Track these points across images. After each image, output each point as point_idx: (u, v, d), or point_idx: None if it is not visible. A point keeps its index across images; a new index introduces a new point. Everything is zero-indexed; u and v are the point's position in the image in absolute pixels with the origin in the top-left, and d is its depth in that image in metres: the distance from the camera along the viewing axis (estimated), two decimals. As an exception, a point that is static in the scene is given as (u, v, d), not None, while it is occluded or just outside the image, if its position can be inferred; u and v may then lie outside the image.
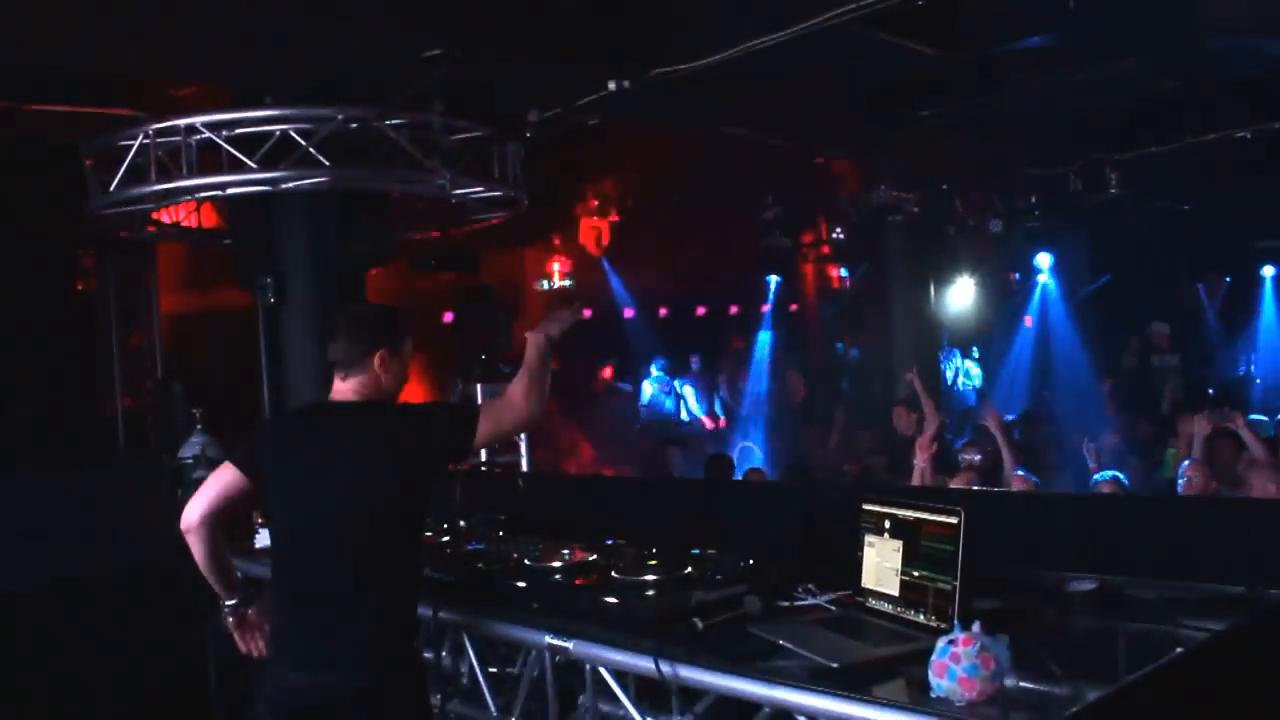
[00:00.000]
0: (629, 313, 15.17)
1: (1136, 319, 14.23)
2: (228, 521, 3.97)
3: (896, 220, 11.98)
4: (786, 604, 3.66)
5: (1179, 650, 2.98)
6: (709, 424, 14.83)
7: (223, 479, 3.88)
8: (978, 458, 7.95)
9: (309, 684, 3.61)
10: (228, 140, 6.52)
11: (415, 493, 3.74)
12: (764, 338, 15.98)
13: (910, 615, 3.31)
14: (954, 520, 3.21)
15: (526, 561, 4.35)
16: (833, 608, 3.61)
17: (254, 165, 6.51)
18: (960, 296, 14.34)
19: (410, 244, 8.49)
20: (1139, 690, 2.75)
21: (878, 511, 3.54)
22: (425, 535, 4.91)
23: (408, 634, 3.78)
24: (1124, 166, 10.51)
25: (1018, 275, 16.10)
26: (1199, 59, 7.91)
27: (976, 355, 15.25)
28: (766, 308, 16.36)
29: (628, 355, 15.12)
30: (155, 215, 7.58)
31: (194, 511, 3.84)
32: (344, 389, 3.87)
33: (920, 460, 7.73)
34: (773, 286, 16.11)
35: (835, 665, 2.96)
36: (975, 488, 7.30)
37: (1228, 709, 3.11)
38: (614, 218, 13.15)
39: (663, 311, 15.58)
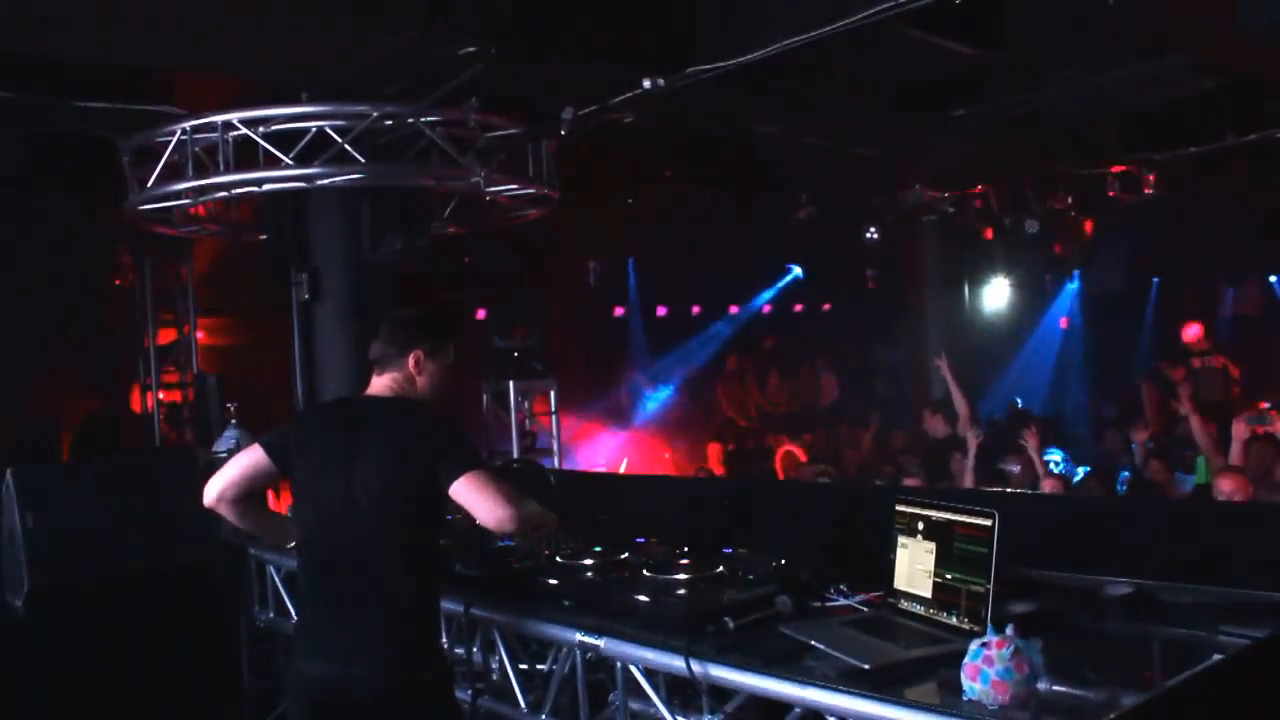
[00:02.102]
0: (661, 310, 15.17)
1: (1174, 321, 14.08)
2: (249, 499, 3.99)
3: (931, 220, 11.93)
4: (818, 604, 3.65)
5: (1217, 657, 2.94)
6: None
7: (246, 459, 3.94)
8: (1016, 468, 7.92)
9: (331, 675, 3.63)
10: (264, 137, 6.57)
11: (427, 491, 3.71)
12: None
13: (943, 617, 3.29)
14: (987, 522, 3.18)
15: (558, 559, 4.35)
16: (864, 609, 3.59)
17: (290, 161, 6.55)
18: (994, 297, 14.26)
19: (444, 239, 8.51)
20: (1175, 696, 2.72)
21: (911, 513, 3.52)
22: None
23: (428, 628, 3.78)
24: (1162, 167, 10.40)
25: (1049, 276, 15.99)
26: (1240, 57, 7.81)
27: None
28: (800, 308, 16.33)
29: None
30: (193, 211, 7.62)
31: (213, 488, 3.94)
32: (378, 385, 3.90)
33: (971, 453, 7.73)
34: (788, 276, 16.03)
35: (867, 666, 2.95)
36: (1009, 490, 7.26)
37: (1268, 718, 3.07)
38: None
39: (696, 309, 15.58)
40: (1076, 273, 15.58)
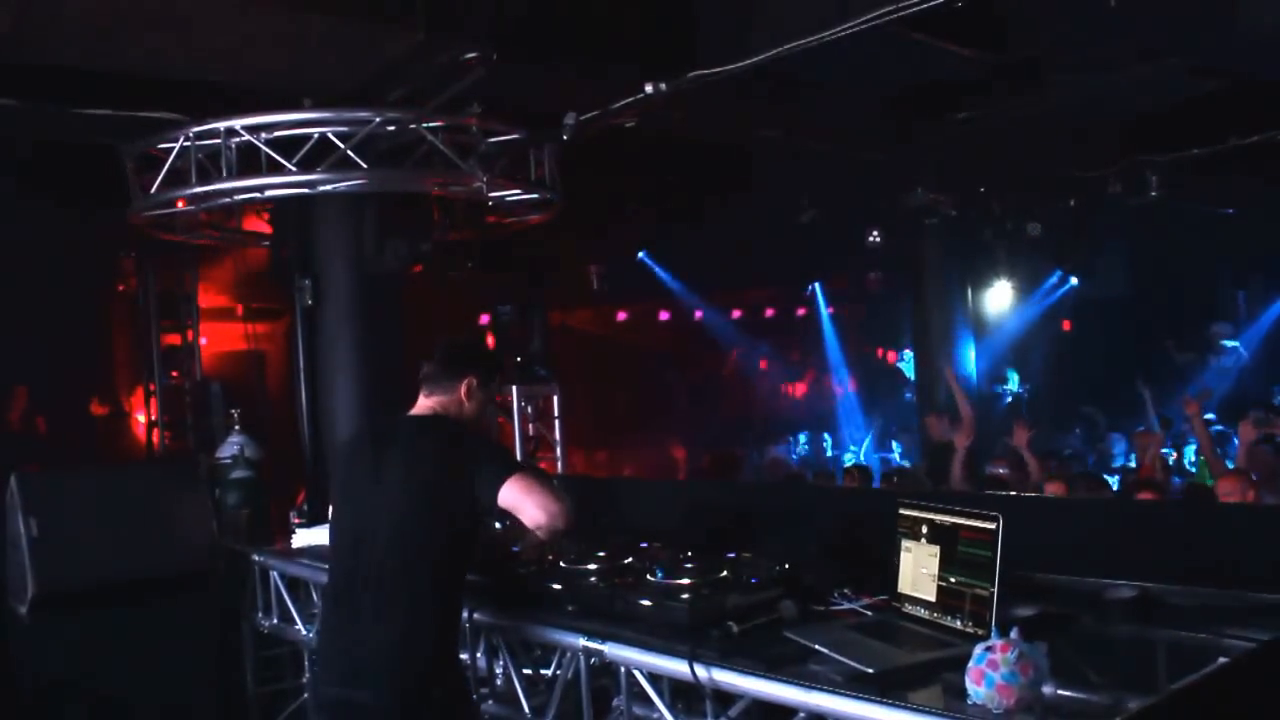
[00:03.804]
0: (664, 315, 15.18)
1: (1177, 324, 14.07)
2: None
3: (934, 223, 11.91)
4: (822, 609, 3.65)
5: (1222, 660, 2.94)
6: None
7: None
8: (1002, 470, 7.92)
9: (340, 696, 3.69)
10: (267, 143, 6.56)
11: (458, 508, 3.71)
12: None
13: (947, 621, 3.28)
14: (991, 526, 3.18)
15: (562, 563, 4.35)
16: (868, 613, 3.59)
17: (293, 168, 6.55)
18: (997, 300, 14.24)
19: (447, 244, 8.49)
20: (1181, 700, 2.71)
21: (915, 516, 3.52)
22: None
23: (444, 645, 3.77)
24: (1165, 169, 10.38)
25: (1053, 279, 15.95)
26: (1242, 59, 7.81)
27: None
28: (803, 312, 16.34)
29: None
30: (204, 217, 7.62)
31: None
32: (423, 405, 3.96)
33: (959, 454, 7.73)
34: (819, 294, 16.11)
35: (871, 671, 2.94)
36: (1014, 493, 7.24)
37: (1273, 720, 3.06)
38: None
39: (698, 315, 15.59)
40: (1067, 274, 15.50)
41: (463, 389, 3.93)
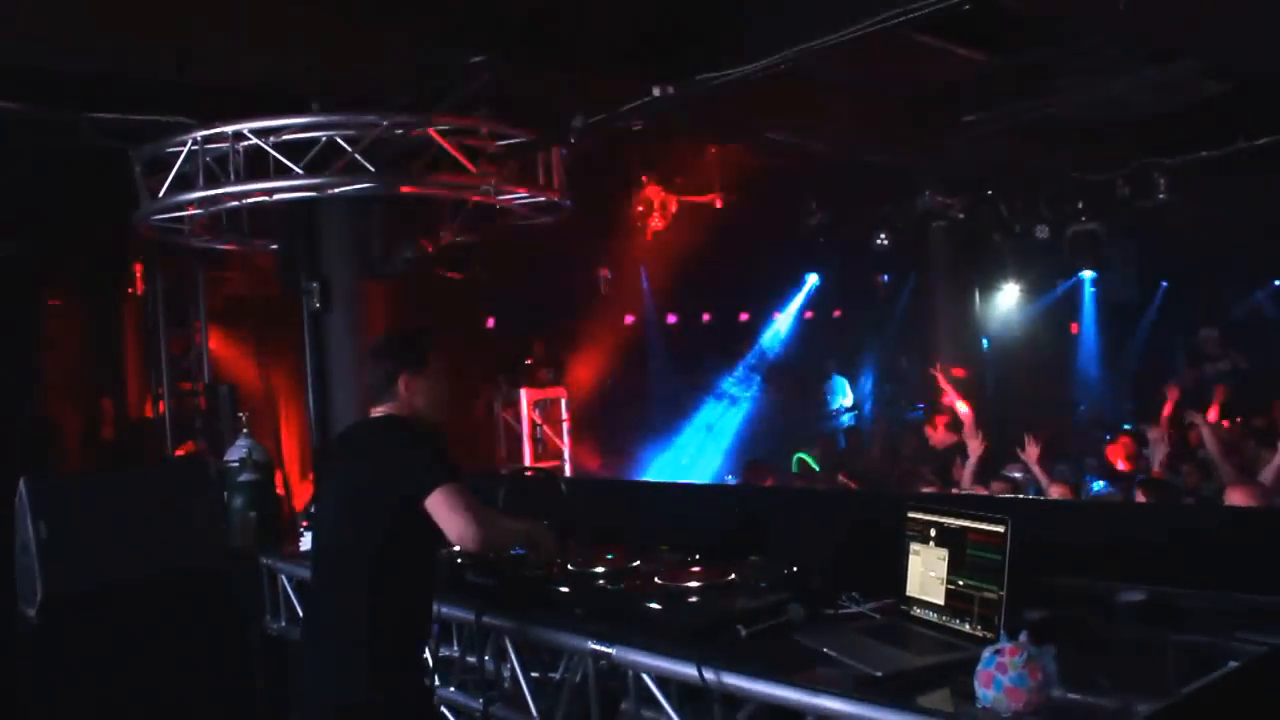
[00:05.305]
0: (672, 318, 15.15)
1: (1188, 327, 14.05)
2: None
3: (941, 226, 11.91)
4: (830, 612, 3.64)
5: (1233, 663, 2.92)
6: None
7: None
8: (1018, 475, 7.90)
9: (309, 700, 3.74)
10: (274, 146, 6.57)
11: (398, 511, 3.62)
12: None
13: (956, 624, 3.27)
14: (1000, 529, 3.17)
15: (570, 566, 4.34)
16: (877, 616, 3.58)
17: (300, 171, 6.56)
18: (1005, 303, 14.24)
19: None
20: (1191, 704, 2.70)
21: (923, 519, 3.51)
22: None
23: (393, 651, 3.69)
24: (1173, 171, 10.36)
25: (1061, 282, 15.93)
26: (1251, 60, 7.79)
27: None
28: (810, 315, 16.29)
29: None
30: (203, 222, 7.62)
31: None
32: (376, 411, 3.91)
33: (971, 460, 7.71)
34: (808, 285, 15.97)
35: (879, 674, 2.93)
36: (1023, 496, 7.23)
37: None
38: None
39: (706, 317, 15.56)
40: (1083, 278, 15.48)
41: (402, 389, 3.82)
